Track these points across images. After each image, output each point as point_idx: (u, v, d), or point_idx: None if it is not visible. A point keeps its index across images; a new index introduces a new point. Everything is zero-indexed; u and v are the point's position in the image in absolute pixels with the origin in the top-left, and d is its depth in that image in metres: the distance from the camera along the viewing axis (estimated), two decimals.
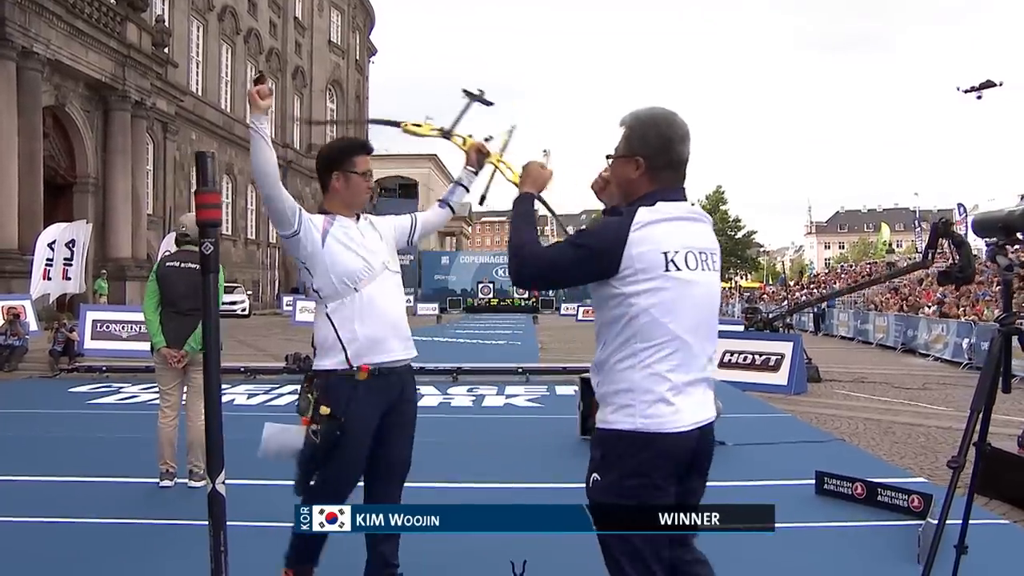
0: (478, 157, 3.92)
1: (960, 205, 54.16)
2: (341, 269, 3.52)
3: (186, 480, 6.05)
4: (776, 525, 5.27)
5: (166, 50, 33.48)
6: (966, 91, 40.01)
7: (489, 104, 4.17)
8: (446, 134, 4.01)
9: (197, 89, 39.91)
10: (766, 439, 8.29)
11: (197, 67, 40.39)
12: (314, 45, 54.55)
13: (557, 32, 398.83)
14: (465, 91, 4.09)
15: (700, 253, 2.57)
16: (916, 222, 69.90)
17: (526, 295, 57.79)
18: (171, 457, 6.12)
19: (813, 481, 6.01)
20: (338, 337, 3.49)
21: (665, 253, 2.48)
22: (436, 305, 48.72)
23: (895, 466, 7.51)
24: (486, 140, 3.95)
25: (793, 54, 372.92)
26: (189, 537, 4.72)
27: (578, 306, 47.62)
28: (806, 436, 8.80)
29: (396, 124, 4.13)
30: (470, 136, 3.97)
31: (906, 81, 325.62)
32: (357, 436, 3.46)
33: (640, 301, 2.46)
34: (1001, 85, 39.10)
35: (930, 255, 15.55)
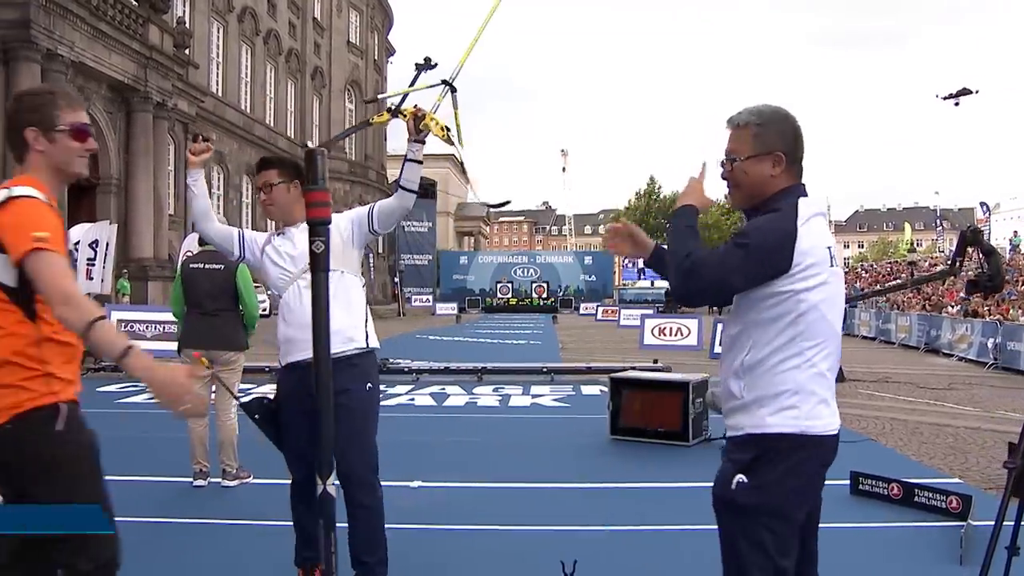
0: (416, 123, 3.82)
1: (983, 204, 53.88)
2: (270, 280, 3.97)
3: (219, 479, 6.08)
4: None
5: (187, 51, 33.64)
6: (944, 98, 40.34)
7: (433, 66, 4.29)
8: (394, 113, 4.11)
9: (217, 90, 40.10)
10: None
11: (217, 68, 40.57)
12: (333, 46, 54.68)
13: (573, 31, 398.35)
14: (416, 64, 4.26)
15: (834, 248, 2.58)
16: (937, 221, 69.50)
17: (544, 294, 57.82)
18: (204, 456, 6.15)
19: (847, 481, 5.98)
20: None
21: (828, 247, 2.50)
22: (455, 305, 48.75)
23: (927, 466, 7.46)
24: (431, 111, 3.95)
25: (808, 51, 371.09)
26: (224, 536, 4.74)
27: (597, 306, 47.59)
28: None
29: (367, 124, 4.60)
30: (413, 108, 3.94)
31: (925, 78, 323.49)
32: (284, 423, 3.72)
33: (811, 297, 2.42)
34: (977, 92, 39.56)
35: (958, 263, 15.40)
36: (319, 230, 1.92)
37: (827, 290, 2.45)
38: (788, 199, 2.51)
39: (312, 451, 3.55)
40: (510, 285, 58.81)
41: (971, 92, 40.23)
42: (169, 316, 18.27)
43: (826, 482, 6.58)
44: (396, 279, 51.14)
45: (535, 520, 5.25)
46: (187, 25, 34.94)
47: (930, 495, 5.37)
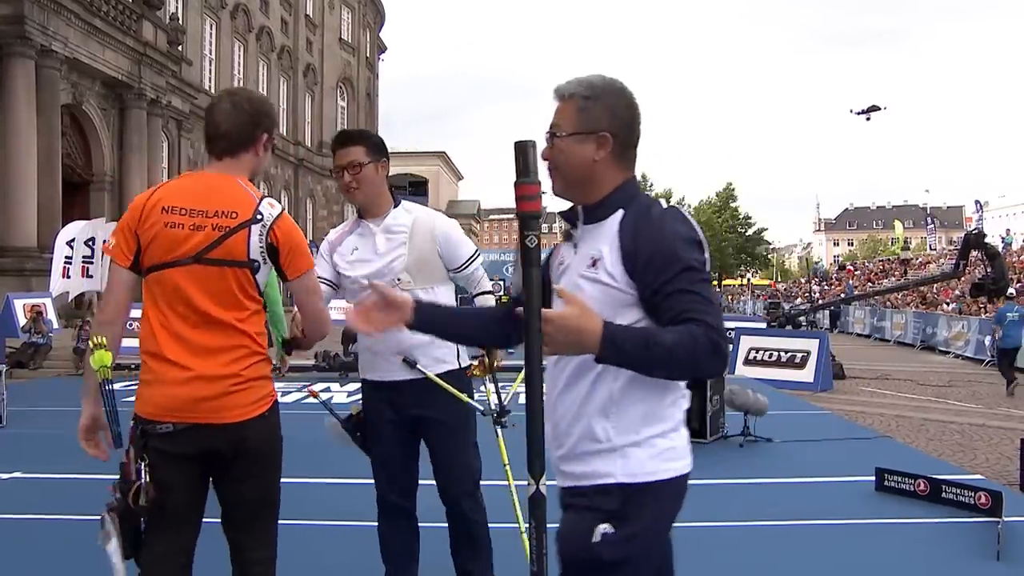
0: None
1: (977, 202, 54.23)
2: (348, 295, 3.64)
3: None
4: (840, 522, 5.30)
5: (180, 48, 33.48)
6: (857, 113, 41.56)
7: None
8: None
9: (210, 87, 39.89)
10: (811, 436, 8.29)
11: (210, 65, 40.37)
12: (325, 43, 54.47)
13: (566, 27, 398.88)
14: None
15: None
16: (929, 219, 69.75)
17: None
18: None
19: (871, 478, 5.99)
20: None
21: None
22: None
23: (948, 463, 7.49)
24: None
25: (804, 48, 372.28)
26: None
27: None
28: (851, 433, 8.79)
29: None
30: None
31: (916, 77, 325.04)
32: (374, 440, 3.58)
33: None
34: (886, 109, 40.95)
35: (961, 266, 15.42)
36: (532, 224, 1.90)
37: None
38: (639, 195, 2.15)
39: (402, 474, 3.55)
40: (502, 283, 58.80)
41: (880, 108, 41.65)
42: None
43: (850, 478, 6.63)
44: None
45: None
46: (180, 22, 34.76)
47: (958, 491, 5.38)
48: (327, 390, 11.79)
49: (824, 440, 8.18)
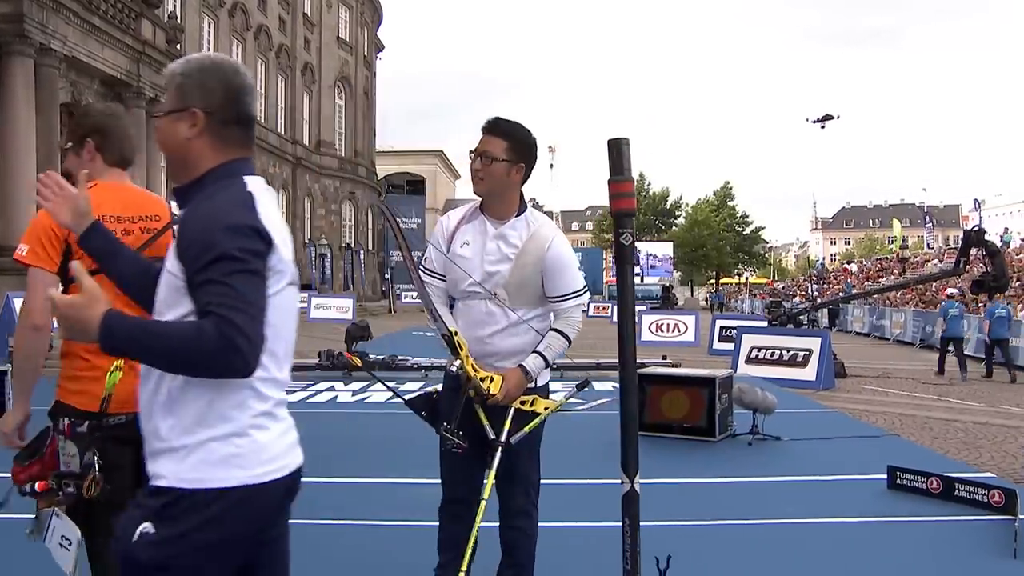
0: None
1: (976, 200, 54.39)
2: (452, 286, 3.42)
3: None
4: (854, 520, 5.31)
5: (179, 46, 33.44)
6: (813, 121, 42.17)
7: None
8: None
9: None
10: (819, 434, 8.30)
11: None
12: (323, 41, 54.46)
13: (562, 24, 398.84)
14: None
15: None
16: (926, 218, 69.90)
17: None
18: None
19: (883, 476, 6.00)
20: None
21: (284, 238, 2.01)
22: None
23: (957, 460, 7.51)
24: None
25: (801, 46, 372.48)
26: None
27: (588, 302, 47.61)
28: (858, 431, 8.81)
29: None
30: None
31: (913, 76, 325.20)
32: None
33: (279, 302, 1.93)
34: (839, 118, 41.74)
35: (962, 263, 15.49)
36: (626, 221, 1.90)
37: (287, 295, 1.98)
38: (238, 179, 2.00)
39: (467, 472, 3.34)
40: None
41: (834, 117, 42.31)
42: None
43: (861, 476, 6.65)
44: (387, 276, 51.02)
45: (574, 516, 5.25)
46: (179, 20, 34.74)
47: (971, 489, 5.38)
48: (331, 389, 11.79)
49: (833, 438, 8.18)
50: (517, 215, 3.32)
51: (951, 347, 16.45)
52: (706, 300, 67.43)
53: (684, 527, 5.10)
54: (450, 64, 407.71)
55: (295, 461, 2.00)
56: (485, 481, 3.24)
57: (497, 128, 3.23)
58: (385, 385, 3.88)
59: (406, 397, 3.46)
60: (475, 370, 3.18)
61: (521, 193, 3.35)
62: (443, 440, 3.25)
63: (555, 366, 11.60)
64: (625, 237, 1.86)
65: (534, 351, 3.29)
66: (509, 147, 3.20)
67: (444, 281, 3.39)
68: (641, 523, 4.95)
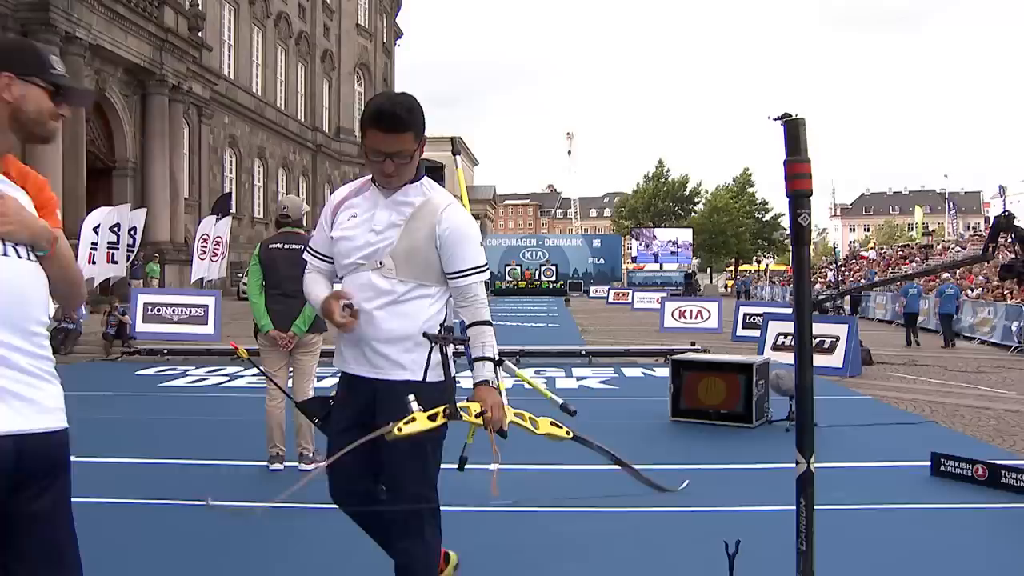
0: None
1: (1000, 186, 53.90)
2: (338, 258, 3.16)
3: (296, 463, 6.04)
4: (898, 506, 5.31)
5: (200, 34, 33.56)
6: (775, 119, 42.37)
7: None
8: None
9: (229, 73, 39.98)
10: (855, 421, 8.30)
11: (229, 51, 40.44)
12: (342, 28, 54.48)
13: (580, 10, 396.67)
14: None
15: None
16: (950, 204, 69.39)
17: (554, 277, 57.78)
18: (280, 440, 6.09)
19: (926, 463, 6.00)
20: None
21: None
22: None
23: (998, 447, 7.48)
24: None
25: (817, 31, 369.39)
26: (307, 520, 4.73)
27: (608, 288, 47.58)
28: (895, 418, 8.81)
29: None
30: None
31: (934, 60, 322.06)
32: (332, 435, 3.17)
33: None
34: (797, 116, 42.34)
35: (991, 249, 15.36)
36: (803, 202, 1.92)
37: None
38: None
39: (359, 479, 3.09)
40: (519, 268, 58.80)
41: (792, 116, 42.86)
42: (195, 300, 18.44)
43: (904, 463, 6.62)
44: None
45: (623, 502, 5.28)
46: (200, 8, 34.84)
47: (1018, 476, 5.37)
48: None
49: (870, 425, 8.18)
50: (412, 182, 3.06)
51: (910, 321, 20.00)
52: (725, 287, 67.22)
53: (735, 513, 5.15)
54: (466, 51, 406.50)
55: None
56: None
57: (400, 124, 2.90)
58: (275, 384, 3.72)
59: (298, 400, 3.31)
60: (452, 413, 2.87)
61: (419, 161, 3.07)
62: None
63: (583, 353, 11.59)
64: (803, 218, 1.87)
65: (476, 358, 2.98)
66: (415, 135, 2.95)
67: (328, 262, 3.17)
68: (692, 508, 5.01)
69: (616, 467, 3.42)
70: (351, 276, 3.05)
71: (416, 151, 2.97)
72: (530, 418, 3.14)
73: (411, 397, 2.81)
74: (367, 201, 3.07)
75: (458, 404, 2.89)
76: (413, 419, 2.77)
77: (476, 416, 2.89)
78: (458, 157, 4.21)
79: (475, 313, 3.02)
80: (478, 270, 3.03)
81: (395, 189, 3.02)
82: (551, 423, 3.20)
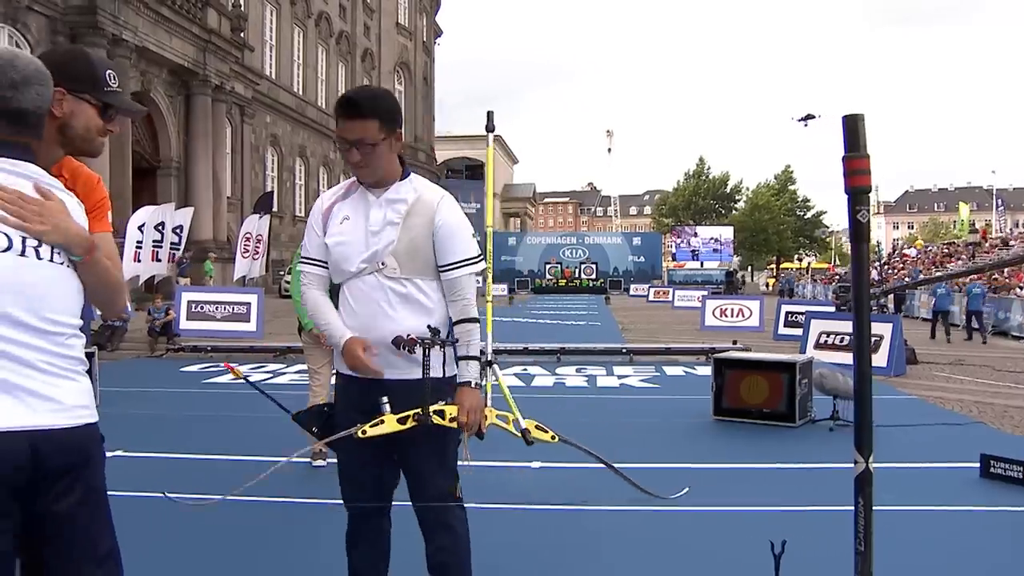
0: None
1: None
2: (333, 263, 3.11)
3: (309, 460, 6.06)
4: (947, 508, 5.23)
5: (242, 35, 33.94)
6: (798, 120, 42.79)
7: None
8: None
9: (271, 73, 40.40)
10: (900, 421, 8.16)
11: (270, 51, 40.86)
12: (382, 27, 54.83)
13: (620, 8, 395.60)
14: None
15: None
16: (998, 201, 68.11)
17: (594, 275, 57.73)
18: None
19: (975, 464, 5.91)
20: None
21: None
22: (505, 286, 48.88)
23: None
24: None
25: (860, 27, 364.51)
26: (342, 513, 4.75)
27: (649, 287, 47.43)
28: (941, 419, 8.68)
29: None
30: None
31: (980, 55, 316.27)
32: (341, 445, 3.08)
33: None
34: (820, 117, 42.61)
35: None
36: (862, 199, 1.91)
37: None
38: None
39: (376, 485, 3.10)
40: (559, 266, 58.78)
41: (815, 117, 43.24)
42: (238, 297, 18.66)
43: (953, 464, 6.53)
44: None
45: (667, 500, 5.26)
46: (243, 8, 35.23)
47: None
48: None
49: (916, 425, 8.06)
50: (400, 180, 3.03)
51: (939, 318, 21.40)
52: (767, 285, 66.61)
53: (778, 512, 5.11)
54: (505, 49, 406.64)
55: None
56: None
57: (361, 109, 2.89)
58: (269, 398, 3.79)
59: (293, 412, 3.24)
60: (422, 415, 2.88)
61: (400, 156, 3.07)
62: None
63: (624, 351, 11.56)
64: (862, 214, 1.85)
65: (461, 357, 2.99)
66: (380, 124, 2.90)
67: (325, 268, 3.09)
68: (736, 507, 4.97)
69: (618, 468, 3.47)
70: (353, 282, 3.01)
71: (384, 142, 2.93)
72: (513, 420, 3.15)
73: (384, 399, 2.85)
74: (357, 203, 3.05)
75: (434, 407, 2.88)
76: (382, 421, 2.83)
77: (450, 420, 2.90)
78: (491, 135, 4.20)
79: (463, 310, 3.02)
80: (469, 262, 3.02)
81: (384, 187, 3.00)
82: (536, 426, 3.22)
